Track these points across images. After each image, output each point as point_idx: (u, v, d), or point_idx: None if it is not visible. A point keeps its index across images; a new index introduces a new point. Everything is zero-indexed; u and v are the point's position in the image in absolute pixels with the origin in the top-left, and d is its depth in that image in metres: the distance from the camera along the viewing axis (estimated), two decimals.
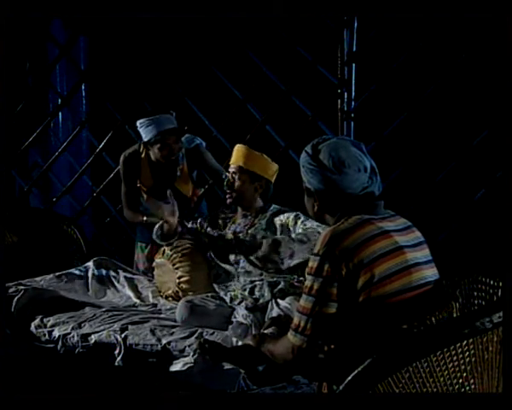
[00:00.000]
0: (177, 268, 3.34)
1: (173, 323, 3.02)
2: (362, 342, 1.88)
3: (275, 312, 2.90)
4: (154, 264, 3.51)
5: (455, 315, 1.94)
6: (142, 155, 3.80)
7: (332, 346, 2.00)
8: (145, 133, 3.65)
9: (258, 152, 3.34)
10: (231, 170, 3.32)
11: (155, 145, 3.65)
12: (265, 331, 2.60)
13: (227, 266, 3.28)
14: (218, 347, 2.46)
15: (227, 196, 3.31)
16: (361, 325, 1.90)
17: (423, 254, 2.03)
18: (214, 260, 3.33)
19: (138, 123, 3.66)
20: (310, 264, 1.94)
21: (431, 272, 2.01)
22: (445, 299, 1.97)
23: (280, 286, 3.08)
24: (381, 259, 1.91)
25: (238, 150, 3.35)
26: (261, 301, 3.02)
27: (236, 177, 3.28)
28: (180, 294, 3.29)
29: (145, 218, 3.73)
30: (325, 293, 1.90)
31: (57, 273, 3.73)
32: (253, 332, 2.74)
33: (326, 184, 2.02)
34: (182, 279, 3.32)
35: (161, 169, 3.78)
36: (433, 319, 1.93)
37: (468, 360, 1.67)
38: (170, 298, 3.37)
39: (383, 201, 2.07)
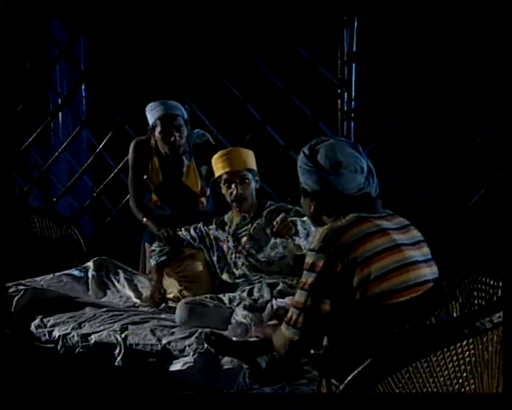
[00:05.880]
0: (178, 276, 3.35)
1: (173, 323, 3.02)
2: (359, 341, 1.88)
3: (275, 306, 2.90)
4: None
5: (455, 315, 1.94)
6: (153, 146, 3.69)
7: (330, 343, 2.01)
8: (150, 116, 3.60)
9: (240, 148, 3.33)
10: (234, 177, 3.16)
11: (157, 129, 3.57)
12: (269, 323, 2.61)
13: (224, 276, 3.29)
14: (223, 339, 2.46)
15: (237, 208, 3.22)
16: (358, 323, 1.90)
17: (422, 252, 2.03)
18: (215, 268, 3.33)
19: (147, 107, 3.62)
20: (306, 259, 1.95)
21: (429, 271, 2.00)
22: (445, 298, 1.96)
23: (279, 287, 3.08)
24: (377, 256, 1.91)
25: (233, 155, 3.22)
26: (260, 301, 3.02)
27: (245, 182, 3.18)
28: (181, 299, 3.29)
29: (145, 219, 3.64)
30: (318, 288, 1.90)
31: (57, 273, 3.74)
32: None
33: (322, 185, 2.02)
34: (183, 286, 3.33)
35: (169, 163, 3.69)
36: (433, 318, 1.93)
37: (468, 360, 1.67)
38: (170, 301, 3.37)
39: (381, 200, 2.07)
